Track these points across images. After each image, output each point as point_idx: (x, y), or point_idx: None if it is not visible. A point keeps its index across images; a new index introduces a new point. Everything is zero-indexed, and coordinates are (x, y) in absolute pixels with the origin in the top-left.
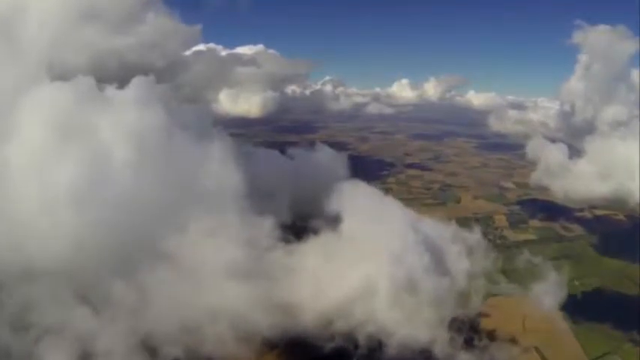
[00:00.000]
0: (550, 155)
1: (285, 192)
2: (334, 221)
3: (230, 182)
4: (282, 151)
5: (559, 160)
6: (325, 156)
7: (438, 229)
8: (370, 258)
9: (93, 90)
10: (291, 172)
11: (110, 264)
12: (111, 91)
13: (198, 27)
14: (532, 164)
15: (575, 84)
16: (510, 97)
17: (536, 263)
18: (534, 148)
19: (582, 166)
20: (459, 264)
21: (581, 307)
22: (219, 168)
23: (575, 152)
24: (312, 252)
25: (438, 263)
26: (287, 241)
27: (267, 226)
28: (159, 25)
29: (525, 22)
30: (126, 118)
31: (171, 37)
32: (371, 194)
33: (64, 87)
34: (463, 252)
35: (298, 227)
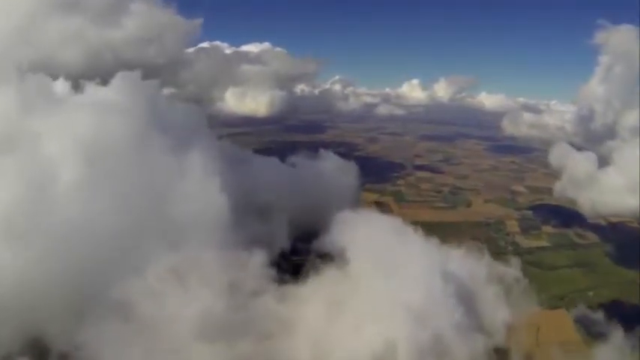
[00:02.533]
0: (576, 164)
1: (284, 209)
2: (341, 255)
3: (213, 203)
4: (283, 158)
5: (586, 169)
6: (331, 165)
7: (468, 265)
8: (387, 310)
9: (44, 90)
10: (292, 184)
11: (48, 315)
12: (91, 89)
13: (198, 21)
14: (544, 168)
15: (595, 87)
16: (521, 99)
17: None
18: (558, 155)
19: (610, 176)
20: (497, 313)
21: (597, 320)
22: (202, 184)
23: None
24: (312, 298)
25: (472, 314)
26: (281, 281)
27: (256, 262)
28: (153, 17)
29: (540, 22)
30: (85, 123)
31: (169, 31)
32: (386, 224)
33: (6, 88)
34: (501, 295)
35: (298, 254)
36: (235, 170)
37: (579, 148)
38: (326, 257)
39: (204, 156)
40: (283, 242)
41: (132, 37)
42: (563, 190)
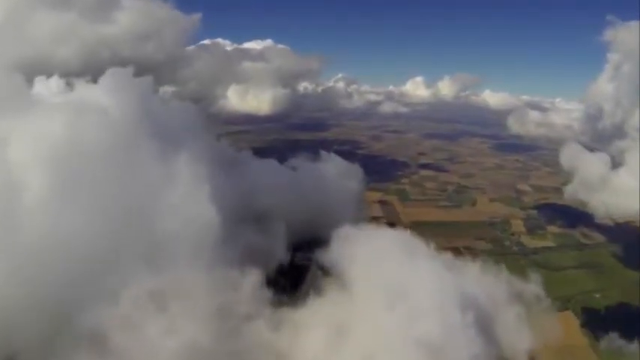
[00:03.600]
0: (588, 165)
1: (283, 217)
2: (344, 274)
3: (203, 214)
4: (285, 158)
5: (599, 171)
6: (334, 167)
7: (485, 283)
8: (396, 341)
9: (16, 90)
10: (292, 189)
11: (10, 348)
12: (79, 87)
13: (197, 16)
14: (548, 167)
15: (604, 85)
16: (525, 97)
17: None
18: (569, 156)
19: (622, 177)
20: (519, 339)
21: (605, 323)
22: (190, 193)
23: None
24: (312, 324)
25: (491, 343)
26: (278, 303)
27: (249, 282)
28: (150, 12)
29: (544, 19)
30: (61, 126)
31: (167, 27)
32: (394, 238)
33: None
34: (522, 317)
35: (297, 270)
36: (231, 174)
37: (590, 149)
38: (328, 275)
39: (195, 160)
40: (281, 254)
41: (129, 33)
42: (574, 192)
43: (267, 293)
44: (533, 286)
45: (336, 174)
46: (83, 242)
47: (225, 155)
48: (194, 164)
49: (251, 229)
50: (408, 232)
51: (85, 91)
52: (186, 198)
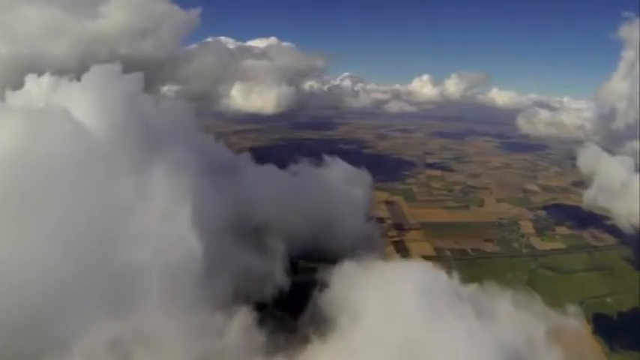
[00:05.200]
0: (610, 169)
1: (282, 233)
2: (352, 316)
3: (182, 240)
4: (285, 162)
5: (622, 175)
6: (339, 173)
7: (520, 322)
8: None
9: None
10: (293, 198)
11: None
12: (66, 84)
13: (196, 11)
14: (556, 166)
15: (617, 83)
16: (532, 96)
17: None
18: (588, 159)
19: None
20: None
21: (618, 330)
22: (168, 215)
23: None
24: None
25: None
26: (273, 347)
27: (238, 324)
28: (146, 7)
29: (555, 15)
30: (18, 133)
31: (165, 23)
32: (410, 271)
33: None
34: None
35: (297, 301)
36: (224, 184)
37: (605, 150)
38: (332, 306)
39: (180, 171)
40: (279, 279)
41: (124, 29)
42: (593, 198)
43: (259, 337)
44: (573, 320)
45: (342, 180)
46: (30, 279)
47: (219, 160)
48: (177, 176)
49: (244, 249)
50: (428, 265)
51: (66, 90)
52: (163, 221)
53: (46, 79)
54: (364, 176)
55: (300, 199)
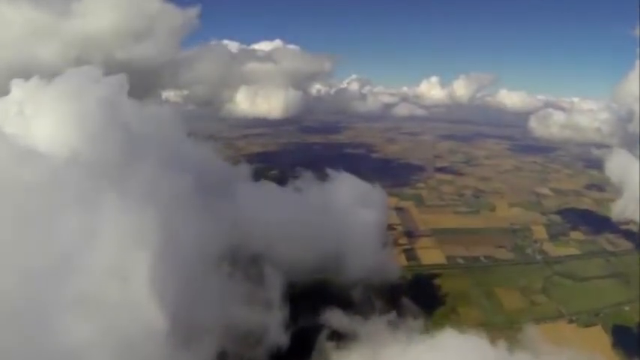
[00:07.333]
0: None
1: (280, 263)
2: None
3: (145, 311)
4: (282, 181)
5: None
6: (347, 190)
7: None
8: None
9: None
10: (294, 221)
11: None
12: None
13: (195, 10)
14: (568, 169)
15: (634, 84)
16: (542, 97)
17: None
18: (617, 167)
19: None
20: None
21: (636, 338)
22: (127, 272)
23: None
24: None
25: None
26: None
27: None
28: (139, 6)
29: (563, 15)
30: None
31: (160, 22)
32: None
33: None
34: None
35: (298, 345)
36: (213, 206)
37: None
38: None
39: (155, 196)
40: (277, 337)
41: (117, 30)
42: (623, 209)
43: None
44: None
45: (351, 198)
46: None
47: (210, 176)
48: (150, 202)
49: (234, 294)
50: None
51: (33, 97)
52: (118, 275)
53: (34, 83)
54: (377, 192)
55: (301, 221)
